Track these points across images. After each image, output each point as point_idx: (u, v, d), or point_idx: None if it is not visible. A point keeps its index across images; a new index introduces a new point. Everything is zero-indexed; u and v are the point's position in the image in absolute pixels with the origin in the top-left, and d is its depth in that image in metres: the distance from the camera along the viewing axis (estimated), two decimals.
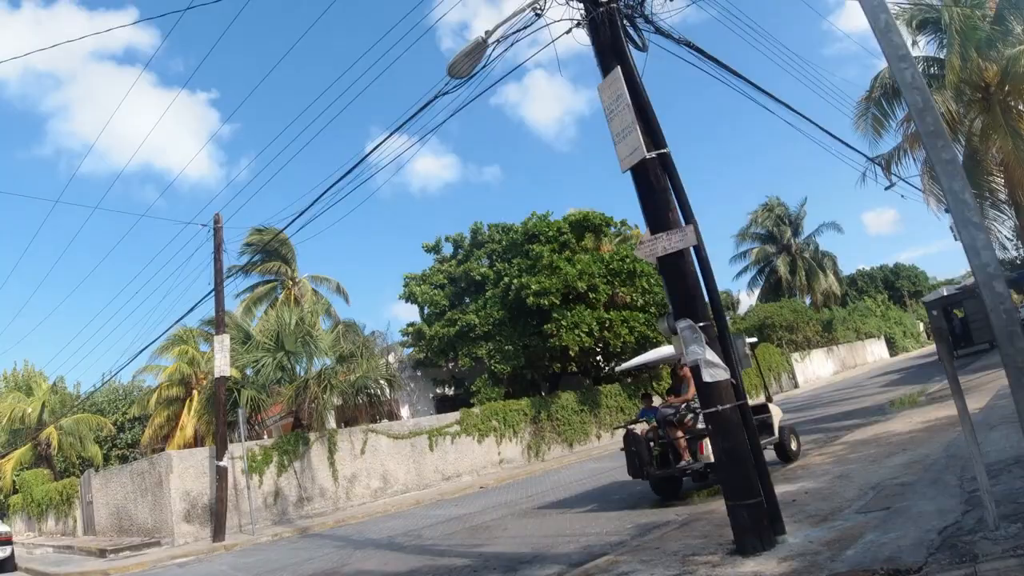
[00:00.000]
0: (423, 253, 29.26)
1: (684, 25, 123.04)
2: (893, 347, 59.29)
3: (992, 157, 18.13)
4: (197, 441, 21.76)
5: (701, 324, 6.93)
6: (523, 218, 27.14)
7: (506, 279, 25.05)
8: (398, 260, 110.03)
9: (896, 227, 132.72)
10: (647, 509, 10.68)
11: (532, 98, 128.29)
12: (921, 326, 69.55)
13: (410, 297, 26.20)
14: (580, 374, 28.52)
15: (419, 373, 26.28)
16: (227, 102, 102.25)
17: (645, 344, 26.89)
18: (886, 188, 19.00)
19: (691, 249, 7.20)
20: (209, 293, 16.72)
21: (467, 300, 26.27)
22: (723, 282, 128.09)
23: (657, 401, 13.27)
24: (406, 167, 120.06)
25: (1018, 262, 34.88)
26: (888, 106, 19.47)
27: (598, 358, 27.96)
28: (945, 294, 35.91)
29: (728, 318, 36.11)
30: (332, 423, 19.58)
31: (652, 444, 11.28)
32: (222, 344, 16.00)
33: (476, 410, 22.92)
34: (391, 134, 10.43)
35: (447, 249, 28.75)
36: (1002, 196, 18.56)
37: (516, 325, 24.94)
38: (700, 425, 11.12)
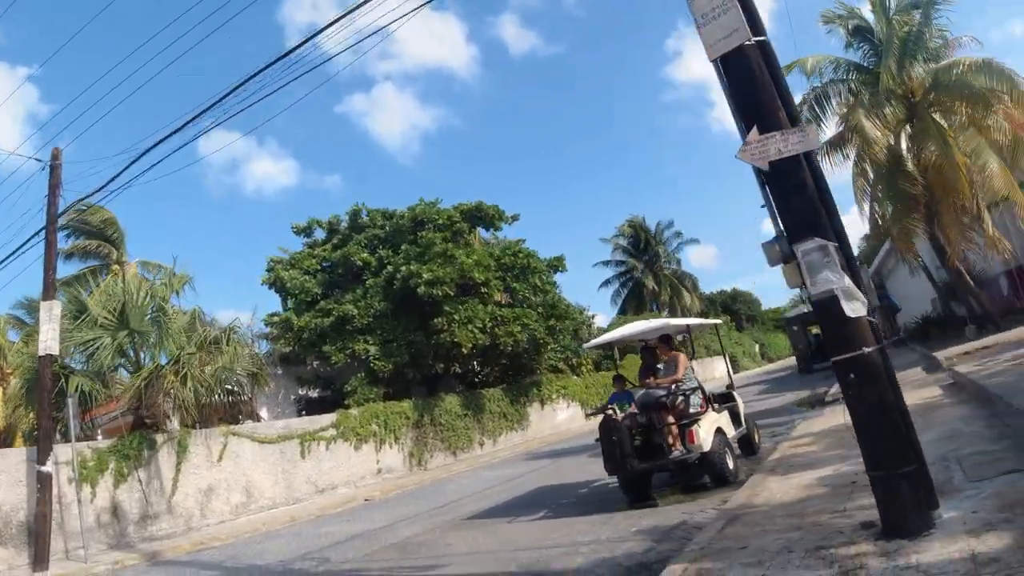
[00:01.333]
0: (271, 252, 25.30)
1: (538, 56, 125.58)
2: (736, 366, 61.67)
3: (920, 162, 18.02)
4: (1, 442, 17.07)
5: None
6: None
7: (390, 267, 22.25)
8: (235, 261, 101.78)
9: (718, 262, 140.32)
10: (629, 512, 8.74)
11: (380, 109, 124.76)
12: (758, 347, 73.40)
13: (276, 283, 22.51)
14: (462, 376, 26.13)
15: (280, 371, 22.73)
16: (48, 80, 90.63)
17: (537, 346, 25.05)
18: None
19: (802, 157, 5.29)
20: (31, 263, 12.84)
21: (342, 290, 23.03)
22: (586, 294, 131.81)
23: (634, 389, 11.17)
24: (241, 167, 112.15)
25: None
26: None
27: (474, 362, 25.67)
28: (805, 312, 37.13)
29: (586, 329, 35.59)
30: (176, 424, 15.87)
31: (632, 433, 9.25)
32: (51, 313, 12.08)
33: (354, 412, 19.87)
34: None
35: (320, 234, 25.30)
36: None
37: (400, 318, 22.17)
38: (693, 409, 9.46)
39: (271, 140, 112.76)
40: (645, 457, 9.13)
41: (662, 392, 9.38)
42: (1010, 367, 10.88)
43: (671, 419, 9.19)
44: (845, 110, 19.13)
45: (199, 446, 15.07)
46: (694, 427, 8.97)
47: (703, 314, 60.51)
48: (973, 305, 24.11)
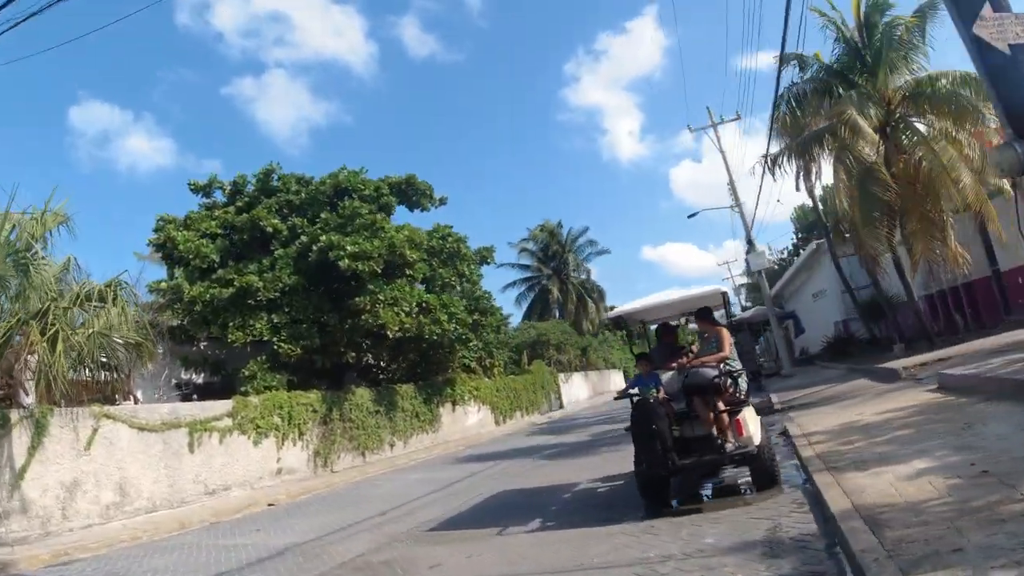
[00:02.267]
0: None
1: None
2: (627, 379, 61.56)
3: (897, 169, 17.31)
4: None
5: None
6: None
7: (305, 237, 19.35)
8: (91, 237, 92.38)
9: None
10: (667, 519, 6.91)
11: (269, 98, 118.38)
12: None
13: (167, 245, 18.94)
14: (365, 370, 23.40)
15: (161, 349, 19.23)
16: None
17: (455, 341, 22.74)
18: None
19: None
20: None
21: (246, 259, 19.73)
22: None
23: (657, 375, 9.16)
24: (114, 141, 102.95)
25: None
26: None
27: (384, 354, 23.03)
28: (730, 320, 36.79)
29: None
30: (33, 399, 12.45)
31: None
32: None
33: (254, 400, 16.84)
34: None
35: (220, 196, 21.76)
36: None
37: (313, 295, 19.29)
38: (741, 395, 7.75)
39: (148, 116, 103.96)
40: (682, 452, 7.23)
41: (715, 372, 7.48)
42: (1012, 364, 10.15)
43: (722, 405, 7.35)
44: (825, 109, 18.41)
45: (63, 429, 11.77)
46: (741, 416, 7.31)
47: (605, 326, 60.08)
48: (901, 323, 24.14)
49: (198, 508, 13.30)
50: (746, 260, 30.64)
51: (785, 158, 20.30)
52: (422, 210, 23.35)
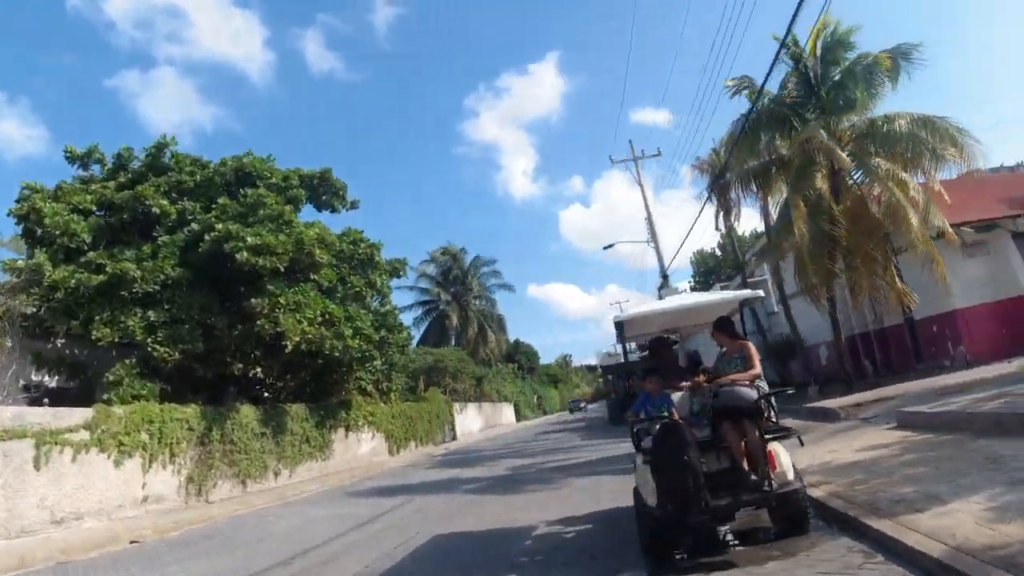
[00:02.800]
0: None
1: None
2: (519, 413, 60.26)
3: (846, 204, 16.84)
4: None
5: None
6: None
7: (196, 224, 16.69)
8: None
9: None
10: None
11: (155, 95, 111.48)
12: (536, 398, 73.08)
13: (31, 217, 15.59)
14: (247, 386, 20.63)
15: (10, 343, 15.85)
16: None
17: (366, 358, 20.44)
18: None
19: None
20: None
21: (123, 243, 16.72)
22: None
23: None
24: None
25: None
26: None
27: (273, 369, 20.36)
28: (622, 360, 36.16)
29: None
30: None
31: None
32: None
33: (119, 411, 13.92)
34: None
35: (100, 173, 18.50)
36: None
37: (200, 292, 16.52)
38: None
39: (23, 100, 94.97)
40: (720, 490, 5.68)
41: (754, 392, 6.00)
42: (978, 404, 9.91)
43: (757, 435, 5.82)
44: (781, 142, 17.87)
45: None
46: (772, 448, 5.88)
47: (503, 360, 58.49)
48: (812, 366, 24.00)
49: (43, 541, 10.50)
50: (659, 295, 30.07)
51: (739, 184, 19.60)
52: (332, 211, 21.05)
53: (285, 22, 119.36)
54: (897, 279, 17.17)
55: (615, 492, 9.76)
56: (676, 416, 6.30)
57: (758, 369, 6.43)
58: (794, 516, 5.95)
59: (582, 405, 74.29)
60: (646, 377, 6.93)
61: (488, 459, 21.49)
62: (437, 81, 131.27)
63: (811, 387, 21.70)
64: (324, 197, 20.45)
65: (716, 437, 6.10)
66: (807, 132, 16.47)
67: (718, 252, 55.90)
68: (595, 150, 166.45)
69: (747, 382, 6.23)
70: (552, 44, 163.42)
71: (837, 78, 17.84)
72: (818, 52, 18.03)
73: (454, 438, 37.59)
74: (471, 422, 42.74)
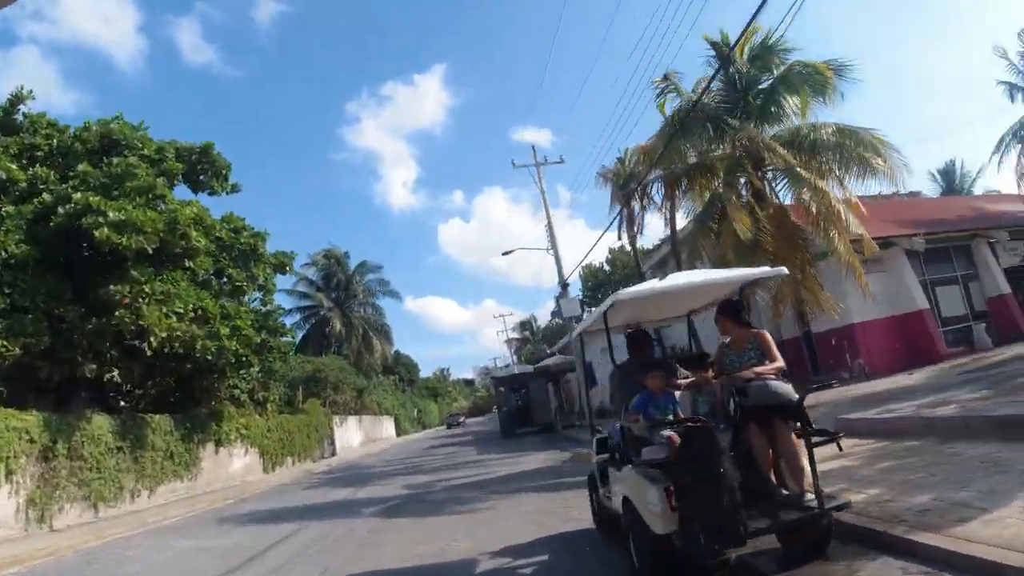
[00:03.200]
0: None
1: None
2: (399, 427, 57.80)
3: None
4: None
5: None
6: None
7: (49, 195, 13.89)
8: None
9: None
10: None
11: (14, 74, 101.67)
12: (416, 412, 70.68)
13: None
14: (100, 391, 17.66)
15: None
16: None
17: (243, 363, 17.98)
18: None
19: None
20: None
21: None
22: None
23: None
24: None
25: None
26: None
27: (133, 372, 17.53)
28: (516, 372, 34.94)
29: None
30: None
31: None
32: None
33: None
34: None
35: None
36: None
37: (49, 275, 13.71)
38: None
39: None
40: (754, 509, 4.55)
41: (792, 389, 4.85)
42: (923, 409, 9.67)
43: (796, 440, 4.81)
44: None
45: None
46: (804, 458, 4.78)
47: (383, 371, 55.84)
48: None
49: None
50: (558, 304, 29.11)
51: (653, 189, 18.77)
52: (211, 192, 18.50)
53: (161, 8, 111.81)
54: (820, 287, 16.82)
55: (549, 513, 8.63)
56: (680, 417, 5.08)
57: (782, 362, 5.25)
58: (822, 535, 4.83)
59: (461, 420, 71.36)
60: (648, 372, 5.55)
61: (380, 476, 19.49)
62: (319, 83, 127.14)
63: None
64: (203, 177, 17.92)
65: (738, 443, 4.87)
66: (743, 133, 15.83)
67: (607, 267, 56.13)
68: (477, 166, 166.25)
69: (773, 375, 5.06)
70: (439, 56, 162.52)
71: (766, 85, 17.35)
72: (746, 56, 17.50)
73: (334, 453, 34.99)
74: (352, 436, 40.14)
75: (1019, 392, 9.45)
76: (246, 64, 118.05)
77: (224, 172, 18.17)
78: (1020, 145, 30.60)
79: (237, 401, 22.61)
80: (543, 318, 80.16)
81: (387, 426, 51.60)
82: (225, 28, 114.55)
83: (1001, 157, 31.37)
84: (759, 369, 5.13)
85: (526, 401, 33.87)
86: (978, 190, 43.72)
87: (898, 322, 21.27)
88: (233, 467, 22.13)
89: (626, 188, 26.87)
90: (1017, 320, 22.04)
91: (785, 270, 6.10)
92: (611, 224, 26.98)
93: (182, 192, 18.55)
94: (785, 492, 4.75)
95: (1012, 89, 31.72)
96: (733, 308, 5.81)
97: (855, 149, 15.72)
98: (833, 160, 16.04)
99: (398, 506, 12.28)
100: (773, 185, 17.26)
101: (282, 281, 40.67)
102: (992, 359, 16.86)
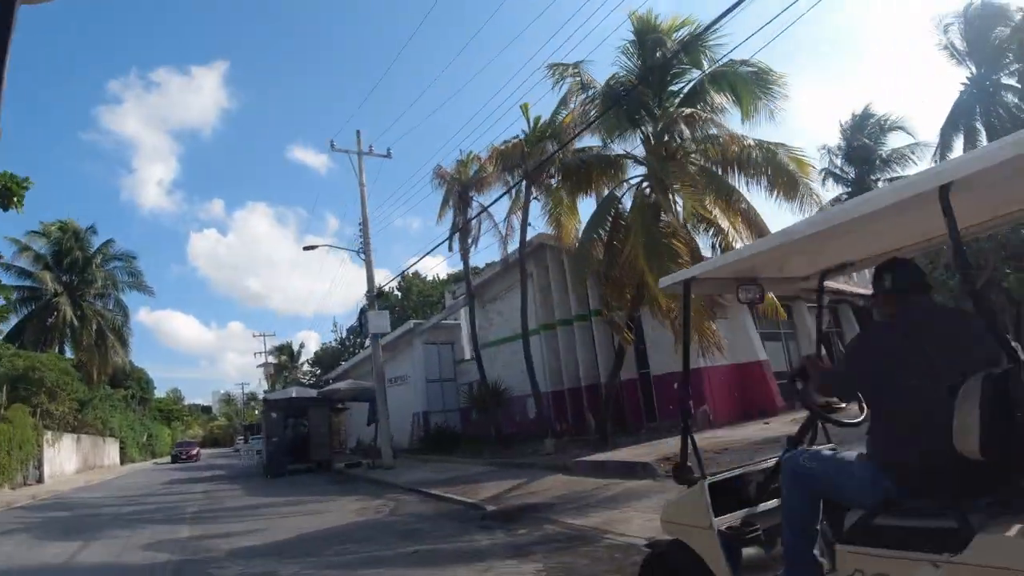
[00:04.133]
0: None
1: None
2: (125, 453, 48.07)
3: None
4: None
5: None
6: None
7: None
8: None
9: None
10: None
11: None
12: (147, 436, 60.19)
13: None
14: None
15: None
16: None
17: None
18: None
19: None
20: None
21: None
22: None
23: None
24: None
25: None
26: None
27: None
28: (295, 396, 29.37)
29: None
30: None
31: None
32: None
33: None
34: None
35: None
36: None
37: None
38: None
39: None
40: None
41: None
42: None
43: None
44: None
45: None
46: None
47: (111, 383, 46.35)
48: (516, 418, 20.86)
49: None
50: (364, 317, 24.43)
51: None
52: None
53: None
54: (711, 321, 14.48)
55: None
56: None
57: None
58: None
59: (194, 452, 55.37)
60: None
61: (116, 521, 13.58)
62: (82, 49, 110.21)
63: (547, 440, 18.71)
64: None
65: None
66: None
67: (397, 292, 52.00)
68: (244, 177, 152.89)
69: None
70: (224, 51, 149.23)
71: (683, 86, 14.89)
72: (672, 43, 14.91)
73: (40, 480, 26.80)
74: (65, 460, 31.49)
75: None
76: None
77: None
78: None
79: None
80: (310, 344, 73.48)
81: (111, 451, 42.33)
82: None
83: None
84: None
85: (304, 431, 28.48)
86: None
87: (740, 371, 20.27)
88: None
89: (465, 194, 23.51)
90: None
91: None
92: (452, 234, 23.23)
93: None
94: None
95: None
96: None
97: (766, 165, 13.60)
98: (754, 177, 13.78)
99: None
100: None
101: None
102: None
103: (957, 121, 29.36)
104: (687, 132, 14.41)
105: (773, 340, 22.85)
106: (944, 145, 29.77)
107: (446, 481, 15.33)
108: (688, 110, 13.94)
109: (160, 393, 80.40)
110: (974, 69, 29.08)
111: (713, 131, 14.34)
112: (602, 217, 14.74)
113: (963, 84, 29.43)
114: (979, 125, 28.62)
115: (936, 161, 29.62)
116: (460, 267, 51.51)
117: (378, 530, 10.05)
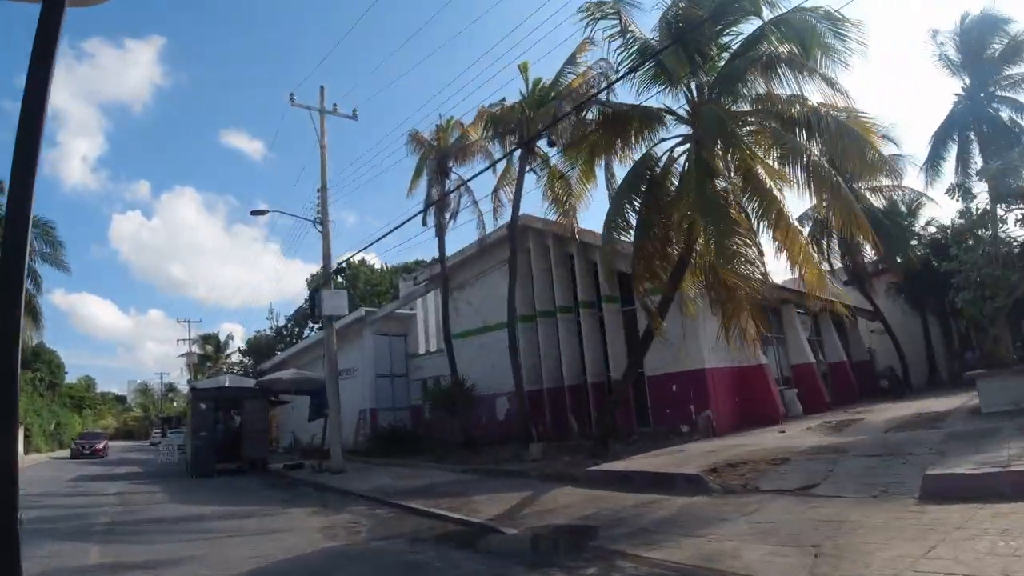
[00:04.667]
0: None
1: None
2: (28, 444, 43.28)
3: None
4: None
5: None
6: None
7: None
8: None
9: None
10: None
11: None
12: (55, 424, 55.07)
13: None
14: None
15: None
16: None
17: None
18: None
19: None
20: None
21: None
22: None
23: None
24: None
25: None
26: None
27: None
28: (228, 385, 25.98)
29: None
30: None
31: None
32: None
33: None
34: None
35: None
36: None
37: None
38: None
39: None
40: None
41: None
42: None
43: None
44: None
45: None
46: None
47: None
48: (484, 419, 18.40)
49: None
50: (318, 297, 21.31)
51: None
52: None
53: None
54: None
55: None
56: None
57: None
58: None
59: (101, 445, 43.77)
60: None
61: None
62: (8, 15, 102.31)
63: (533, 445, 16.55)
64: None
65: None
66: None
67: (342, 280, 48.44)
68: (173, 160, 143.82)
69: None
70: (162, 27, 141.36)
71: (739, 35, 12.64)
72: None
73: None
74: None
75: None
76: None
77: None
78: None
79: None
80: (237, 337, 68.95)
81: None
82: None
83: None
84: None
85: (236, 426, 25.22)
86: None
87: (741, 374, 18.50)
88: None
89: (444, 163, 20.90)
90: (821, 389, 21.08)
91: None
92: (415, 215, 20.44)
93: None
94: None
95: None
96: None
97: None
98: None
99: None
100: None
101: None
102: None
103: (950, 132, 28.24)
104: (748, 87, 12.06)
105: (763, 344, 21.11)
106: (934, 155, 28.58)
107: (419, 492, 12.72)
108: (747, 62, 11.65)
109: (72, 379, 74.60)
110: (968, 80, 27.95)
111: (778, 88, 12.02)
112: (636, 182, 12.31)
113: (956, 96, 28.30)
114: (972, 136, 27.49)
115: (925, 171, 28.54)
116: (412, 258, 48.18)
117: (371, 565, 7.37)
